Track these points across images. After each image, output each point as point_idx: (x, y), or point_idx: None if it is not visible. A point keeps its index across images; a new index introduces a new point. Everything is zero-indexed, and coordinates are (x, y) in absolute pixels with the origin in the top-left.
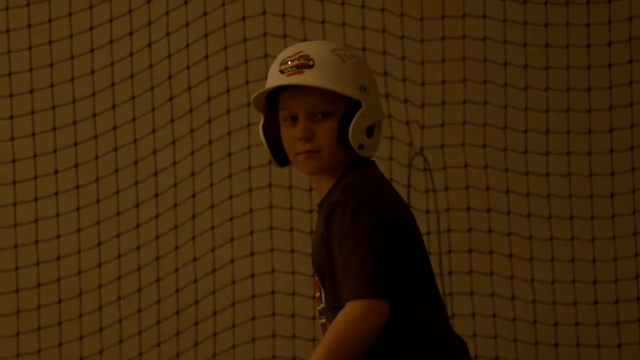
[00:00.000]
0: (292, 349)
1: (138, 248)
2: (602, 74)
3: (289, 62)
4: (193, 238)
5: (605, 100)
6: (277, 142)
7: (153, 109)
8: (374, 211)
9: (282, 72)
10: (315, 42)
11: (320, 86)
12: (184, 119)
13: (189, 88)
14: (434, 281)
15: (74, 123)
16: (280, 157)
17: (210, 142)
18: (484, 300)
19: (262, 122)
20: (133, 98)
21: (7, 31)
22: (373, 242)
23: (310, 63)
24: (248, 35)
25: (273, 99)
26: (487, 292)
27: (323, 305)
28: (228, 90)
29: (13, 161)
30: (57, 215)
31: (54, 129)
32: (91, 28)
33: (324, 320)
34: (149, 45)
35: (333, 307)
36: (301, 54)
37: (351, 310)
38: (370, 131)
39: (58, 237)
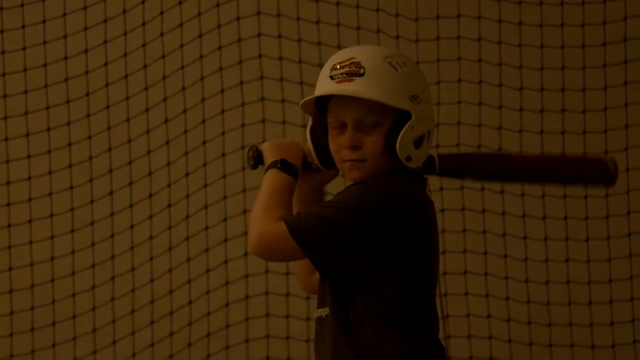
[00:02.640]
0: (286, 350)
1: (132, 248)
2: (597, 75)
3: (340, 68)
4: (187, 239)
5: (600, 100)
6: (324, 146)
7: (147, 110)
8: (377, 201)
9: (332, 77)
10: (368, 48)
11: (369, 97)
12: (178, 119)
13: (183, 88)
14: (431, 309)
15: (68, 123)
16: (325, 160)
17: (204, 143)
18: (478, 300)
19: (310, 124)
20: (127, 98)
21: (1, 32)
22: (343, 215)
23: (361, 71)
24: (242, 36)
25: (322, 102)
26: (481, 292)
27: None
28: (222, 91)
29: (7, 162)
30: (51, 215)
31: (48, 129)
32: (85, 28)
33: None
34: (143, 45)
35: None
36: (352, 60)
37: (272, 222)
38: (419, 142)
39: (52, 237)
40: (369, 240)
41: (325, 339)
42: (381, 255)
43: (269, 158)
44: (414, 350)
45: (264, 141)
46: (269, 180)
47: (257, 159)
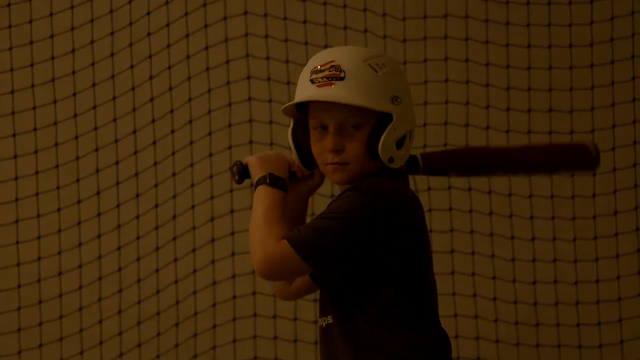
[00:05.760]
0: (273, 350)
1: (119, 249)
2: (584, 75)
3: (320, 72)
4: (174, 239)
5: (587, 100)
6: (306, 147)
7: (134, 109)
8: (372, 204)
9: (312, 81)
10: (348, 50)
11: (349, 103)
12: (165, 119)
13: (170, 88)
14: (435, 303)
15: (55, 123)
16: (307, 161)
17: (191, 143)
18: (466, 300)
19: (291, 126)
20: (114, 98)
21: None
22: (345, 225)
23: (342, 75)
24: (229, 36)
25: (304, 104)
26: (469, 292)
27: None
28: (209, 91)
29: None
30: (38, 216)
31: (35, 129)
32: (72, 28)
33: (319, 316)
34: (130, 45)
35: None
36: (332, 63)
37: (275, 242)
38: (400, 142)
39: (39, 238)
40: (371, 244)
41: (333, 348)
42: (385, 256)
43: (256, 173)
44: (427, 347)
45: (251, 151)
46: (261, 197)
47: (242, 173)
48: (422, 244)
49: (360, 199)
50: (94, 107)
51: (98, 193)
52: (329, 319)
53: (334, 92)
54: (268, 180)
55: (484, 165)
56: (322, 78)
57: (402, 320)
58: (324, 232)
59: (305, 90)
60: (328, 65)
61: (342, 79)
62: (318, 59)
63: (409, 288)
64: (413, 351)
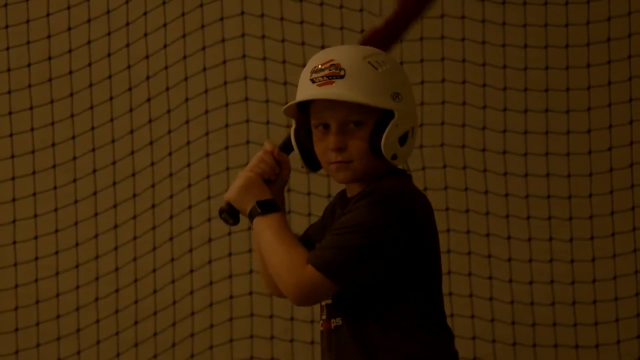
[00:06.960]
0: (270, 350)
1: (116, 249)
2: (580, 75)
3: (320, 71)
4: (171, 239)
5: (584, 101)
6: (309, 147)
7: (131, 110)
8: (387, 209)
9: (312, 80)
10: (347, 48)
11: (351, 100)
12: (162, 119)
13: (167, 89)
14: (441, 304)
15: (52, 124)
16: (311, 161)
17: (188, 143)
18: (462, 301)
19: (293, 127)
20: (111, 99)
21: None
22: (365, 237)
23: (341, 73)
24: (226, 36)
25: (305, 104)
26: (465, 292)
27: (329, 301)
28: (206, 91)
29: None
30: (35, 216)
31: (32, 129)
32: (69, 29)
33: (325, 317)
34: (127, 46)
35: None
36: (332, 62)
37: (302, 270)
38: (403, 139)
39: (36, 238)
40: (392, 249)
41: (342, 350)
42: (405, 258)
43: (244, 206)
44: (438, 346)
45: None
46: (263, 228)
47: (233, 214)
48: (434, 243)
49: (374, 207)
50: (91, 107)
51: (95, 193)
52: (338, 321)
53: (335, 90)
54: (260, 210)
55: (395, 34)
56: (322, 77)
57: (415, 320)
58: (345, 250)
59: (306, 90)
60: (328, 64)
61: (342, 77)
62: (317, 59)
63: (422, 287)
64: (424, 351)
